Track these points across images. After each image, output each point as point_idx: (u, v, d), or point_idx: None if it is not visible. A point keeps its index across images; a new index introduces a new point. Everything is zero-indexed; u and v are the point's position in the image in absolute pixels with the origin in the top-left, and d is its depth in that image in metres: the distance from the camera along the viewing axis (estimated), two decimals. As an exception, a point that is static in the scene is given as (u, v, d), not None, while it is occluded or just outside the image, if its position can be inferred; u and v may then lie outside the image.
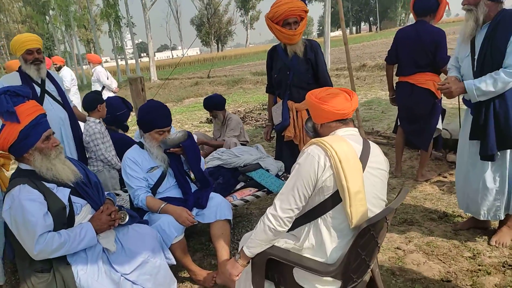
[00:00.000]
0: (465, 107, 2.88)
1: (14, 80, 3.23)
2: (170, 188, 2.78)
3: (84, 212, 2.19)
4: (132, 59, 31.68)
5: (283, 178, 3.28)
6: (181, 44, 72.70)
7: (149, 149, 2.74)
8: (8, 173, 3.22)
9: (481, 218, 2.84)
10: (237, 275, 1.93)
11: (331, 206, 1.73)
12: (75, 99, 7.05)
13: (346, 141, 1.75)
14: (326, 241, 1.76)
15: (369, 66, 13.51)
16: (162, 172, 2.76)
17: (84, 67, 33.76)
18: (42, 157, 2.05)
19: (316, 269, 1.73)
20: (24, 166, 2.08)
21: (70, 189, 2.14)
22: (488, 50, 2.49)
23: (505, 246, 2.78)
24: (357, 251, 1.71)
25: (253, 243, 1.85)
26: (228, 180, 3.21)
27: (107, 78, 7.46)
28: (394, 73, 4.11)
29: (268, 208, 1.82)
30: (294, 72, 3.31)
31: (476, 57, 2.58)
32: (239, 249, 1.99)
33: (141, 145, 2.81)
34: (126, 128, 4.19)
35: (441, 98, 3.77)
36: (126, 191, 3.38)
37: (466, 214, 3.29)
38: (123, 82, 21.11)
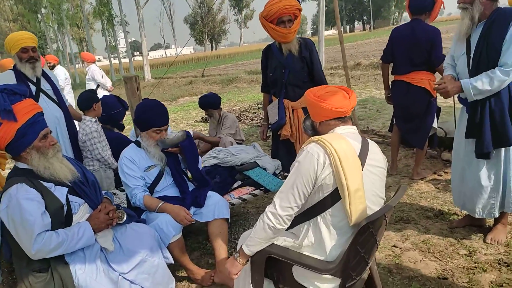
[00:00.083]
0: (460, 106, 2.90)
1: (8, 78, 3.20)
2: (167, 187, 2.77)
3: (81, 211, 2.18)
4: (125, 58, 31.55)
5: (280, 177, 3.28)
6: (175, 42, 72.55)
7: (146, 148, 2.73)
8: (4, 172, 3.20)
9: (476, 216, 2.86)
10: (236, 274, 1.93)
11: (331, 204, 1.74)
12: (69, 98, 6.99)
13: (345, 139, 1.75)
14: (325, 239, 1.77)
15: (363, 65, 13.56)
16: (160, 171, 2.75)
17: (77, 66, 33.53)
18: (39, 155, 2.04)
19: (316, 266, 1.74)
20: (21, 165, 2.06)
21: (67, 188, 2.12)
22: (483, 48, 2.51)
23: (500, 243, 2.81)
24: (356, 248, 1.72)
25: (253, 241, 1.85)
26: (225, 179, 3.21)
27: (102, 77, 7.43)
28: (390, 71, 4.13)
29: (267, 206, 1.82)
30: (290, 71, 3.32)
31: (471, 55, 2.60)
32: (238, 248, 1.99)
33: (138, 144, 2.80)
34: (121, 127, 4.18)
35: (436, 96, 3.80)
36: (122, 190, 3.37)
37: (461, 212, 3.32)
38: (116, 81, 20.99)
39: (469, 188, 2.80)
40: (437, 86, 2.67)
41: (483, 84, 2.47)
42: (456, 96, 2.95)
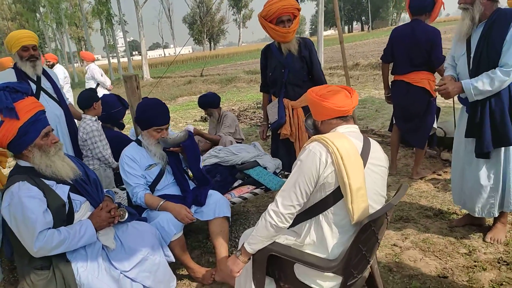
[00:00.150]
0: (460, 106, 2.91)
1: (9, 77, 3.19)
2: (168, 185, 2.78)
3: (83, 209, 2.19)
4: (123, 57, 31.51)
5: (280, 176, 3.28)
6: (173, 42, 72.54)
7: (147, 147, 2.74)
8: (4, 171, 3.19)
9: (476, 215, 2.88)
10: (238, 272, 1.94)
11: (333, 202, 1.75)
12: (68, 97, 6.98)
13: (347, 137, 1.76)
14: (327, 237, 1.78)
15: (362, 65, 13.57)
16: (160, 169, 2.75)
17: (75, 65, 33.47)
18: (41, 154, 2.04)
19: (318, 264, 1.75)
20: (23, 163, 2.07)
21: (69, 186, 2.13)
22: (484, 48, 2.52)
23: (500, 242, 2.82)
24: (358, 247, 1.73)
25: (254, 239, 1.86)
26: (225, 178, 3.21)
27: (101, 75, 7.43)
28: (390, 71, 4.14)
29: (269, 205, 1.83)
30: (290, 70, 3.33)
31: (472, 55, 2.61)
32: (240, 246, 1.99)
33: (139, 143, 2.80)
34: (122, 126, 4.17)
35: (436, 96, 3.81)
36: (122, 189, 3.37)
37: (461, 211, 3.33)
38: (115, 80, 20.97)
39: (469, 188, 2.81)
40: (438, 87, 2.68)
41: (483, 84, 2.48)
42: (456, 96, 2.95)
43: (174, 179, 2.80)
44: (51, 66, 7.18)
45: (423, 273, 2.60)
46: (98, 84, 7.41)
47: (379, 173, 1.83)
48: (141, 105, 2.79)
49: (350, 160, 1.68)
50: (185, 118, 9.36)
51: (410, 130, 4.01)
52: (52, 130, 2.14)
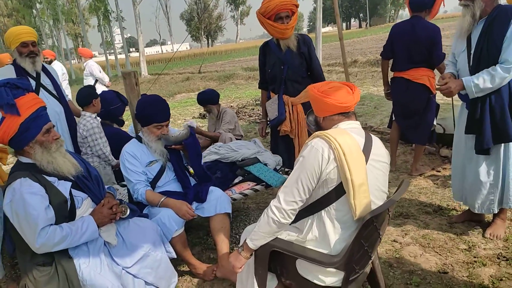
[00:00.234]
0: (459, 102, 2.92)
1: (8, 73, 3.18)
2: (169, 182, 2.78)
3: (85, 205, 2.19)
4: (120, 54, 31.41)
5: (281, 172, 3.29)
6: (171, 39, 72.25)
7: (148, 143, 2.73)
8: (5, 167, 3.19)
9: (475, 212, 2.89)
10: (240, 268, 1.94)
11: (335, 198, 1.75)
12: (67, 93, 6.98)
13: (349, 134, 1.77)
14: (329, 233, 1.78)
15: (360, 62, 13.57)
16: (161, 166, 2.75)
17: (72, 61, 33.32)
18: (42, 150, 2.04)
19: (320, 260, 1.75)
20: (24, 160, 2.06)
21: (71, 183, 2.12)
22: (484, 45, 2.52)
23: (499, 238, 2.84)
24: (360, 242, 1.74)
25: (257, 235, 1.86)
26: (226, 175, 3.21)
27: (100, 72, 7.41)
28: (389, 68, 4.14)
29: (272, 201, 1.83)
30: (289, 66, 3.33)
31: (472, 52, 2.61)
32: (242, 242, 2.00)
33: (140, 139, 2.80)
34: (121, 123, 4.16)
35: (436, 93, 3.82)
36: (123, 186, 3.37)
37: (460, 207, 3.35)
38: (112, 77, 20.90)
39: (469, 184, 2.82)
40: (440, 87, 2.67)
41: (484, 81, 2.48)
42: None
43: (175, 176, 2.80)
44: (49, 63, 7.15)
45: (423, 268, 2.61)
46: (96, 81, 7.40)
47: (381, 169, 1.83)
48: (141, 101, 2.79)
49: (353, 156, 1.69)
50: (183, 115, 9.35)
51: (410, 127, 4.02)
52: (53, 126, 2.13)
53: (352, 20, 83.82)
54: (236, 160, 3.32)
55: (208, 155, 3.41)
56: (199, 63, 25.34)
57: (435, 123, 4.05)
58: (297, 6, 3.24)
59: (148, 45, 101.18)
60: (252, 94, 11.20)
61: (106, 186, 2.44)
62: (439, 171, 4.21)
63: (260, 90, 3.77)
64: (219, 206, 2.67)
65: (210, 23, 67.33)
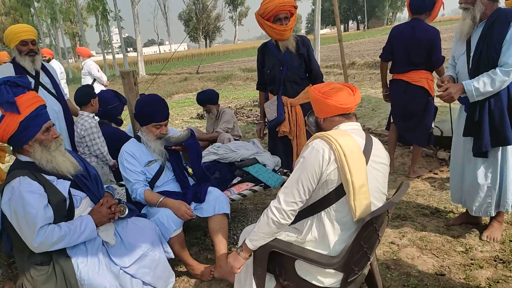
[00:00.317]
0: (458, 105, 2.93)
1: (7, 71, 3.17)
2: (168, 182, 2.77)
3: (83, 205, 2.18)
4: (118, 53, 31.34)
5: (279, 173, 3.29)
6: (169, 39, 72.21)
7: (147, 143, 2.73)
8: (2, 165, 3.17)
9: (473, 214, 2.90)
10: (239, 268, 1.94)
11: (335, 199, 1.75)
12: (66, 92, 6.96)
13: (350, 135, 1.77)
14: (329, 234, 1.79)
15: (358, 64, 13.59)
16: (160, 166, 2.75)
17: (70, 61, 33.22)
18: (42, 148, 2.03)
19: (320, 261, 1.76)
20: (23, 158, 2.05)
21: (70, 182, 2.12)
22: (484, 48, 2.53)
23: (496, 241, 2.85)
24: (360, 243, 1.74)
25: (256, 235, 1.86)
26: (224, 175, 3.21)
27: (98, 71, 7.40)
28: (388, 70, 4.15)
29: (272, 201, 1.83)
30: (288, 67, 3.34)
31: (471, 55, 2.62)
32: (241, 242, 2.00)
33: (138, 139, 2.79)
34: (119, 122, 4.15)
35: (434, 95, 3.83)
36: (121, 185, 3.36)
37: (457, 210, 3.36)
38: (110, 77, 20.84)
39: (467, 186, 2.83)
40: (440, 93, 2.66)
41: (484, 85, 2.48)
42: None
43: (174, 176, 2.79)
44: (47, 61, 7.11)
45: (420, 270, 2.62)
46: (94, 80, 7.38)
47: (380, 170, 1.84)
48: (140, 101, 2.78)
49: (353, 158, 1.69)
50: (181, 115, 9.34)
51: (409, 129, 4.03)
52: (53, 125, 2.12)
53: (350, 22, 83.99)
54: (234, 161, 3.32)
55: (207, 156, 3.41)
56: (197, 63, 25.33)
57: (433, 125, 4.07)
58: (295, 7, 3.26)
59: (146, 45, 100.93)
60: (250, 95, 11.21)
61: (105, 186, 2.43)
62: (436, 174, 4.22)
63: (258, 91, 3.77)
64: (217, 207, 2.67)
65: (208, 23, 67.33)
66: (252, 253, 1.94)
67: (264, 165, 3.27)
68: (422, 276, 2.56)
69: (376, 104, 7.97)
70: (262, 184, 3.12)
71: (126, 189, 2.80)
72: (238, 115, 8.28)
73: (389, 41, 3.95)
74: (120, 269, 2.16)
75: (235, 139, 4.39)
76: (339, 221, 1.78)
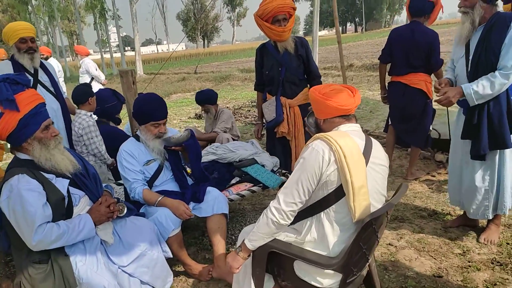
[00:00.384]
0: (456, 108, 2.94)
1: (6, 69, 3.15)
2: (166, 181, 2.77)
3: (82, 203, 2.17)
4: (116, 52, 31.29)
5: (278, 174, 3.29)
6: (167, 39, 72.15)
7: (145, 142, 2.72)
8: (0, 163, 3.16)
9: (470, 217, 2.92)
10: (238, 268, 1.94)
11: (335, 200, 1.76)
12: (65, 90, 6.94)
13: (350, 136, 1.77)
14: (328, 234, 1.79)
15: (356, 66, 13.64)
16: (159, 165, 2.74)
17: (67, 59, 33.11)
18: (41, 146, 2.02)
19: (319, 262, 1.76)
20: (22, 156, 2.04)
21: (69, 180, 2.11)
22: (482, 51, 2.54)
23: (493, 243, 2.86)
24: (359, 244, 1.74)
25: (255, 236, 1.86)
26: (223, 175, 3.21)
27: (96, 70, 7.38)
28: (387, 72, 4.17)
29: (271, 202, 1.84)
30: (287, 68, 3.35)
31: (470, 58, 2.63)
32: (239, 242, 1.99)
33: (137, 138, 2.78)
34: (118, 121, 4.13)
35: (433, 98, 3.84)
36: (119, 185, 3.35)
37: (455, 212, 3.37)
38: (107, 76, 20.79)
39: (465, 189, 2.84)
40: (439, 98, 2.67)
41: (484, 88, 2.49)
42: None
43: (173, 175, 2.79)
44: (45, 59, 7.10)
45: (418, 272, 2.63)
46: (92, 79, 7.36)
47: (380, 172, 1.84)
48: (138, 100, 2.77)
49: (353, 159, 1.69)
50: (179, 115, 9.33)
51: (407, 131, 4.04)
52: (52, 123, 2.12)
53: (348, 24, 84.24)
54: (233, 161, 3.32)
55: (205, 156, 3.40)
56: (195, 63, 25.31)
57: (431, 128, 4.09)
58: (294, 8, 3.27)
59: (143, 44, 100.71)
60: (248, 95, 11.21)
61: (103, 185, 2.43)
62: (434, 176, 4.24)
63: (256, 92, 3.77)
64: (216, 207, 2.67)
65: (206, 23, 67.31)
66: (251, 253, 1.94)
67: (263, 166, 3.27)
68: (420, 277, 2.57)
69: (373, 106, 7.99)
70: (261, 185, 3.12)
71: (125, 188, 2.79)
72: (236, 116, 8.28)
73: (388, 43, 3.97)
74: (118, 268, 2.15)
75: (233, 139, 4.39)
76: (339, 222, 1.78)
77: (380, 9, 71.66)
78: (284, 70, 3.36)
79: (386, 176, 1.91)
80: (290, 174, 3.21)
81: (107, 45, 27.15)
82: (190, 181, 2.86)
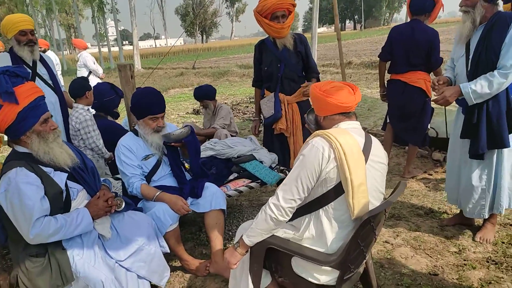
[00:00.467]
0: (455, 107, 2.95)
1: (4, 61, 3.13)
2: (164, 176, 2.76)
3: (80, 197, 2.17)
4: (113, 46, 31.13)
5: (276, 170, 3.29)
6: (165, 33, 71.87)
7: (144, 136, 2.71)
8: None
9: (466, 216, 2.93)
10: (236, 264, 1.94)
11: (333, 197, 1.76)
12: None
13: (350, 134, 1.78)
14: (326, 231, 1.79)
15: (354, 64, 13.64)
16: (157, 160, 2.74)
17: (65, 52, 32.92)
18: (39, 140, 2.01)
19: (317, 258, 1.76)
20: (20, 149, 2.03)
21: (67, 174, 2.10)
22: (483, 50, 2.54)
23: (489, 242, 2.88)
24: (357, 242, 1.75)
25: (254, 232, 1.87)
26: (221, 171, 3.21)
27: (94, 63, 7.34)
28: (386, 70, 4.17)
29: (270, 198, 1.84)
30: (286, 64, 3.35)
31: (470, 57, 2.64)
32: (238, 238, 2.00)
33: (136, 133, 2.78)
34: (116, 115, 4.12)
35: (431, 96, 3.85)
36: (116, 179, 3.34)
37: (451, 211, 3.39)
38: (105, 70, 20.70)
39: (463, 188, 2.86)
40: (436, 98, 2.67)
41: (482, 87, 2.49)
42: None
43: (171, 171, 2.78)
44: (42, 52, 7.06)
45: (414, 270, 2.64)
46: (90, 72, 7.33)
47: (379, 169, 1.85)
48: (136, 94, 2.76)
49: (353, 156, 1.70)
50: (176, 110, 9.31)
51: (406, 129, 4.05)
52: (51, 116, 2.11)
53: (347, 21, 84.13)
54: (231, 157, 3.32)
55: (204, 151, 3.40)
56: (193, 58, 25.23)
57: (428, 126, 4.10)
58: (294, 5, 3.26)
59: (141, 38, 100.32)
60: (246, 91, 11.20)
61: (101, 179, 2.42)
62: (431, 174, 4.25)
63: (254, 88, 3.77)
64: (214, 202, 2.67)
65: (205, 19, 67.06)
66: (249, 249, 1.95)
67: (261, 162, 3.27)
68: (416, 275, 2.58)
69: (372, 104, 8.00)
70: (259, 181, 3.12)
71: (122, 183, 2.79)
72: (234, 112, 8.27)
73: (389, 41, 3.96)
74: (116, 262, 2.15)
75: (231, 135, 4.39)
76: (337, 219, 1.79)
77: (379, 7, 71.56)
78: (283, 66, 3.36)
79: (385, 174, 1.92)
80: (288, 170, 3.23)
81: (105, 38, 26.96)
82: (188, 176, 2.86)
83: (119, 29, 25.65)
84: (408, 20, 3.94)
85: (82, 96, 3.55)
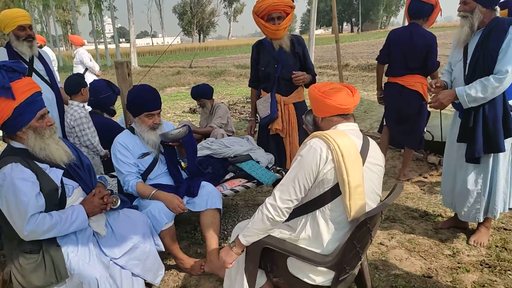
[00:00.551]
0: (453, 111, 2.97)
1: (0, 56, 3.11)
2: (161, 175, 2.75)
3: (75, 194, 2.15)
4: (110, 43, 30.99)
5: (272, 171, 3.29)
6: (162, 32, 71.71)
7: (140, 134, 2.70)
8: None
9: (461, 219, 2.95)
10: (231, 263, 1.94)
11: (330, 198, 1.76)
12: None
13: (348, 135, 1.78)
14: (323, 232, 1.80)
15: (351, 66, 13.66)
16: (154, 158, 2.73)
17: (61, 49, 32.74)
18: (35, 136, 2.00)
19: (313, 259, 1.76)
20: (16, 145, 2.02)
21: (63, 171, 2.09)
22: (480, 55, 2.56)
23: (483, 245, 2.90)
24: (353, 243, 1.75)
25: (250, 231, 1.87)
26: (217, 170, 3.20)
27: (90, 60, 7.30)
28: (384, 73, 4.18)
29: (267, 198, 1.84)
30: (283, 65, 3.35)
31: (468, 61, 2.65)
32: (234, 238, 2.00)
33: (132, 130, 2.76)
34: (112, 113, 4.10)
35: (428, 100, 3.87)
36: (112, 177, 3.33)
37: (446, 214, 3.41)
38: (101, 67, 20.61)
39: (458, 191, 2.87)
40: (430, 100, 2.70)
41: (477, 91, 2.52)
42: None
43: (167, 169, 2.77)
44: (39, 48, 7.02)
45: (408, 272, 2.65)
46: (86, 69, 7.29)
47: (376, 172, 1.86)
48: (131, 91, 2.74)
49: (350, 158, 1.70)
50: (173, 108, 9.29)
51: (402, 132, 4.06)
52: (48, 112, 2.09)
53: (344, 24, 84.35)
54: (228, 156, 3.32)
55: (200, 150, 3.39)
56: (190, 57, 25.18)
57: (424, 130, 4.12)
58: (292, 7, 3.26)
59: (138, 36, 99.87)
60: (243, 91, 11.19)
61: (97, 176, 2.41)
62: (426, 178, 4.27)
63: (250, 88, 3.76)
64: (210, 201, 2.66)
65: (203, 18, 66.98)
66: (245, 249, 1.94)
67: (258, 162, 3.27)
68: (410, 277, 2.59)
69: (368, 106, 8.02)
70: (255, 181, 3.12)
71: (118, 180, 2.78)
72: (230, 111, 8.25)
73: (387, 44, 3.98)
74: (110, 260, 2.14)
75: (228, 135, 4.39)
76: (334, 220, 1.79)
77: (376, 10, 71.88)
78: (280, 67, 3.36)
79: (382, 176, 1.92)
80: (284, 171, 3.23)
81: (102, 36, 26.84)
82: (184, 175, 2.85)
83: (116, 26, 25.53)
84: (406, 23, 3.96)
85: (77, 93, 3.52)
